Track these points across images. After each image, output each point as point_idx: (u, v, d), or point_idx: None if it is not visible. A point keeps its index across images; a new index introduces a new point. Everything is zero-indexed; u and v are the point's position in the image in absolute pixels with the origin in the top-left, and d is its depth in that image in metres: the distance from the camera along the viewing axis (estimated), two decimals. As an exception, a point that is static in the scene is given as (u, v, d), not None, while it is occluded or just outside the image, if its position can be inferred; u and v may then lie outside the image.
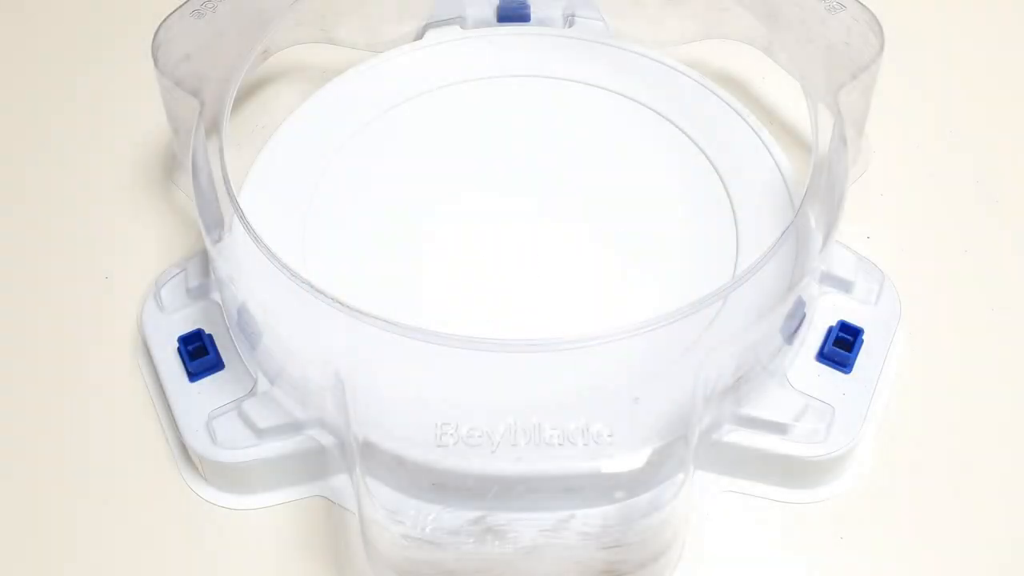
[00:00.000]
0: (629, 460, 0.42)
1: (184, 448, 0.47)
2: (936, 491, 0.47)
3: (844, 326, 0.48)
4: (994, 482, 0.47)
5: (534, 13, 0.60)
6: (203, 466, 0.47)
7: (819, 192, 0.48)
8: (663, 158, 0.54)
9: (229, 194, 0.47)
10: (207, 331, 0.48)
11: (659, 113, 0.55)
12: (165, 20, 0.52)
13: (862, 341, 0.48)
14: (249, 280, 0.47)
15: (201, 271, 0.50)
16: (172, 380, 0.48)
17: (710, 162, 0.53)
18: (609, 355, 0.44)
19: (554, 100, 0.56)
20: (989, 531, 0.46)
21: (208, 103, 0.49)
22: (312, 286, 0.44)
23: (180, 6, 0.52)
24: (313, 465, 0.47)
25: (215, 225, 0.48)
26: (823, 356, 0.48)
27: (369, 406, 0.43)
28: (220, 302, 0.49)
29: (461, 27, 0.59)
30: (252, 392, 0.47)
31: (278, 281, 0.45)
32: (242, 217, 0.46)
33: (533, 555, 0.42)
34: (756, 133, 0.54)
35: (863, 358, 0.48)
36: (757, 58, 0.57)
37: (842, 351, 0.48)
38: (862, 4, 0.52)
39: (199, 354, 0.48)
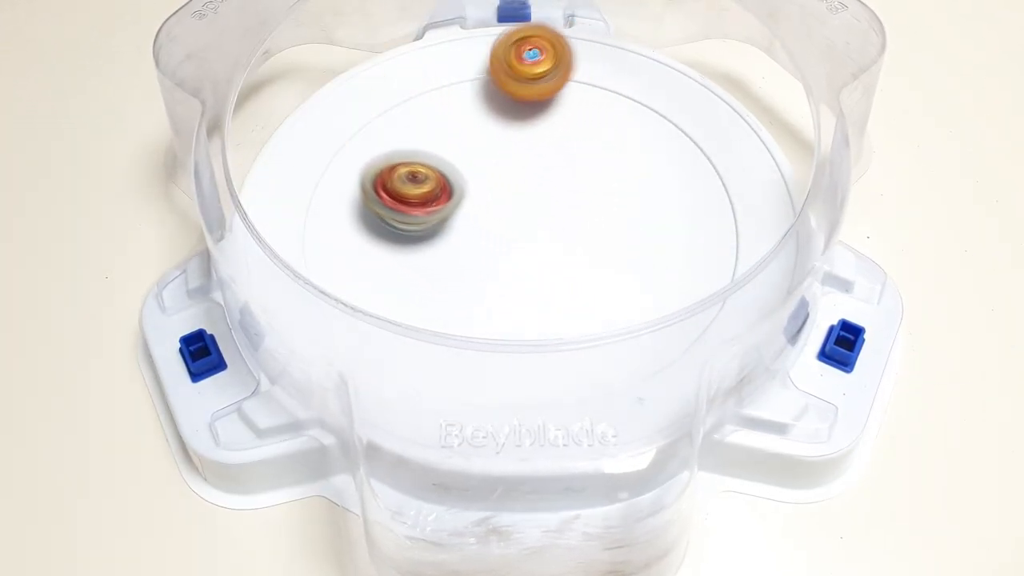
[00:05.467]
0: (633, 460, 0.43)
1: (184, 448, 0.47)
2: (936, 491, 0.47)
3: (845, 325, 0.49)
4: (994, 482, 0.48)
5: (534, 13, 0.60)
6: (204, 467, 0.47)
7: (821, 193, 0.48)
8: (663, 158, 0.54)
9: (231, 194, 0.47)
10: (209, 331, 0.48)
11: (659, 113, 0.55)
12: (166, 21, 0.52)
13: (863, 340, 0.48)
14: (251, 280, 0.47)
15: (202, 272, 0.50)
16: (173, 380, 0.48)
17: (710, 162, 0.54)
18: (613, 356, 0.44)
19: (554, 100, 0.56)
20: (989, 531, 0.46)
21: (209, 104, 0.49)
22: (316, 287, 0.44)
23: (181, 7, 0.52)
24: (314, 465, 0.47)
25: (217, 225, 0.48)
26: (824, 355, 0.48)
27: (373, 407, 0.43)
28: (222, 302, 0.49)
29: (461, 27, 0.59)
30: (255, 393, 0.47)
31: (280, 281, 0.45)
32: (244, 217, 0.46)
33: (537, 556, 0.42)
34: (756, 133, 0.54)
35: (864, 357, 0.48)
36: (758, 58, 0.57)
37: (843, 350, 0.48)
38: (863, 4, 0.52)
39: (201, 354, 0.48)
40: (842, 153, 0.47)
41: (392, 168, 0.51)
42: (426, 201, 0.50)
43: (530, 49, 0.55)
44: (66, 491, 0.47)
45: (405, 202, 0.50)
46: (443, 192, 0.51)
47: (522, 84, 0.55)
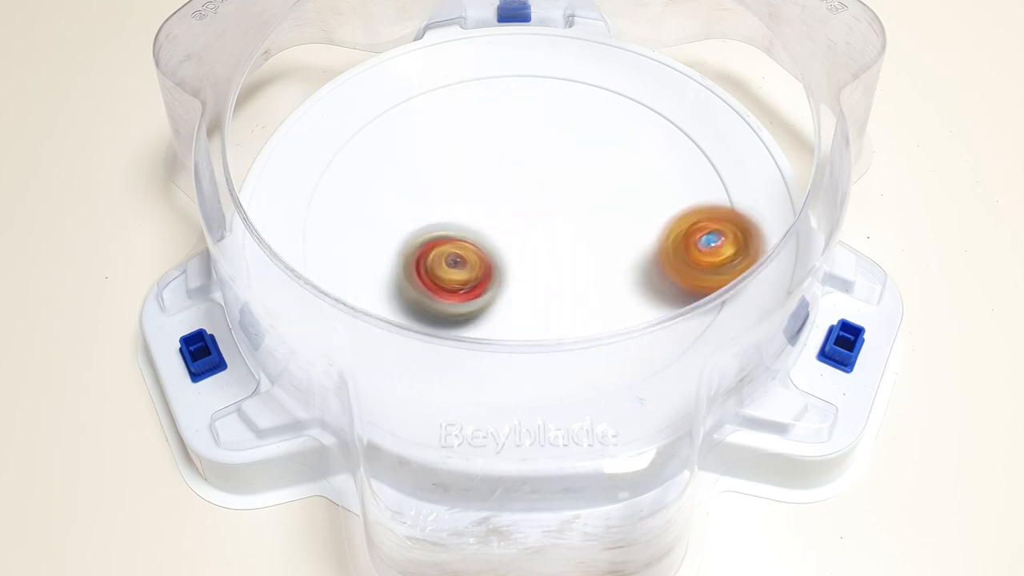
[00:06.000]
0: (633, 460, 0.42)
1: (184, 448, 0.47)
2: (936, 491, 0.47)
3: (845, 325, 0.49)
4: (994, 482, 0.48)
5: (534, 13, 0.60)
6: (204, 467, 0.47)
7: (821, 193, 0.48)
8: (663, 158, 0.54)
9: (231, 194, 0.47)
10: (209, 331, 0.48)
11: (659, 113, 0.55)
12: (166, 21, 0.52)
13: (863, 340, 0.48)
14: (251, 280, 0.47)
15: (202, 272, 0.50)
16: (173, 380, 0.48)
17: (710, 162, 0.54)
18: (613, 356, 0.44)
19: (554, 100, 0.56)
20: (989, 531, 0.46)
21: (210, 104, 0.49)
22: (316, 287, 0.44)
23: (181, 7, 0.52)
24: (314, 465, 0.47)
25: (217, 225, 0.48)
26: (824, 355, 0.48)
27: (373, 407, 0.43)
28: (222, 302, 0.49)
29: (461, 27, 0.59)
30: (255, 393, 0.47)
31: (280, 281, 0.45)
32: (244, 217, 0.46)
33: (537, 556, 0.42)
34: (756, 134, 0.54)
35: (864, 357, 0.48)
36: (758, 58, 0.57)
37: (843, 350, 0.48)
38: (863, 4, 0.52)
39: (201, 354, 0.48)
40: (842, 153, 0.47)
41: (432, 244, 0.48)
42: (464, 288, 0.47)
43: (707, 234, 0.48)
44: (66, 491, 0.47)
45: (443, 287, 0.47)
46: (485, 277, 0.48)
47: (700, 274, 0.48)
